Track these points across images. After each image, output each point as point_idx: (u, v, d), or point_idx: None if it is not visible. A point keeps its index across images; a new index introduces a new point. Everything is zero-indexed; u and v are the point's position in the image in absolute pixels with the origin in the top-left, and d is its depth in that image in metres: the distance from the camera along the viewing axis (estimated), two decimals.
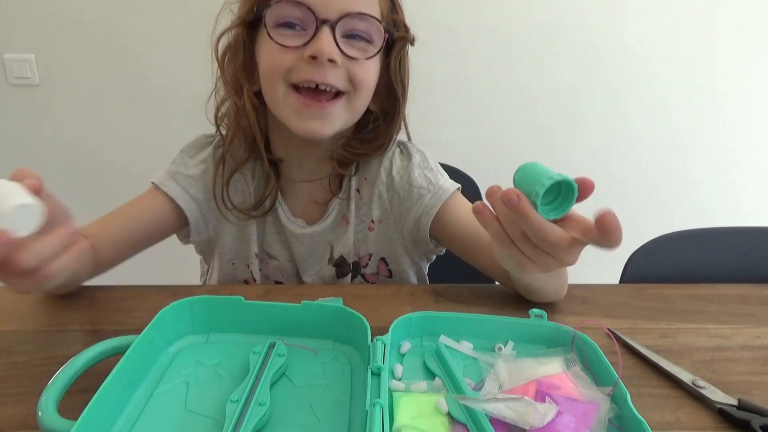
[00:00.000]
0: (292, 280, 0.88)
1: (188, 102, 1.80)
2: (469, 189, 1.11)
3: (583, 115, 1.94)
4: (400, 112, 0.79)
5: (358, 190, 0.84)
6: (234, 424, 0.46)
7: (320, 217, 0.85)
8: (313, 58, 0.67)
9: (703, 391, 0.57)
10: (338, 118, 0.72)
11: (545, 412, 0.49)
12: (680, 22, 1.84)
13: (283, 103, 0.71)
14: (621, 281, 0.96)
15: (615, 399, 0.52)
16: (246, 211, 0.80)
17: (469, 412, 0.49)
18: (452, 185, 0.82)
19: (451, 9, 1.72)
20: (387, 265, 0.88)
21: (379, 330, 0.58)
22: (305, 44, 0.67)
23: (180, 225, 0.82)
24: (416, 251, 0.88)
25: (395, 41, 0.75)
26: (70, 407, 0.45)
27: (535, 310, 0.66)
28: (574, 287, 0.79)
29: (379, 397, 0.48)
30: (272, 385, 0.53)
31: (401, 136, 0.85)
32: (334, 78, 0.69)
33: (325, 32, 0.66)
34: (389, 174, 0.84)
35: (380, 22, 0.71)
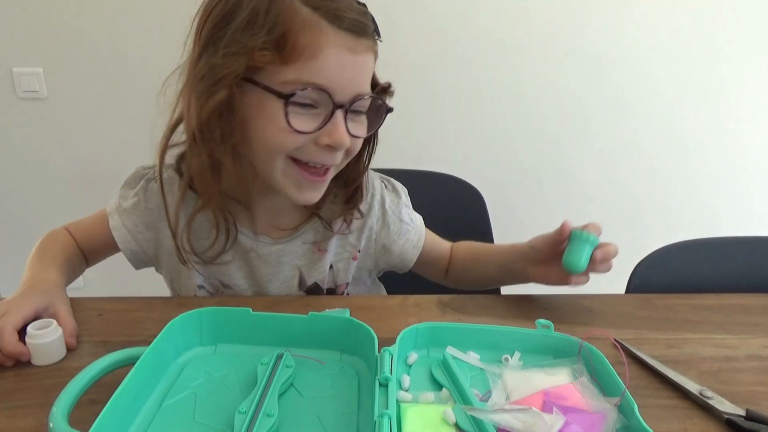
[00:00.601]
0: None
1: None
2: (474, 199, 1.11)
3: (588, 124, 1.94)
4: (370, 153, 0.79)
5: (344, 221, 0.82)
6: None
7: (285, 236, 0.81)
8: (329, 146, 0.66)
9: (710, 402, 0.57)
10: (329, 178, 0.73)
11: (553, 423, 0.49)
12: (686, 28, 1.84)
13: (281, 174, 0.69)
14: (627, 291, 0.96)
15: (622, 410, 0.52)
16: (204, 256, 0.77)
17: (477, 423, 0.50)
18: (421, 222, 0.90)
19: (453, 18, 1.73)
20: (346, 288, 0.88)
21: (386, 341, 0.58)
22: (319, 129, 0.65)
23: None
24: (373, 275, 0.93)
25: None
26: (80, 419, 0.46)
27: (542, 321, 0.66)
28: (580, 297, 0.79)
29: (387, 408, 0.48)
30: (280, 396, 0.54)
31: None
32: (339, 157, 0.70)
33: (340, 117, 0.65)
34: (382, 207, 0.85)
35: (378, 98, 0.70)
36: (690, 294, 0.83)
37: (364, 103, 0.68)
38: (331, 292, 0.86)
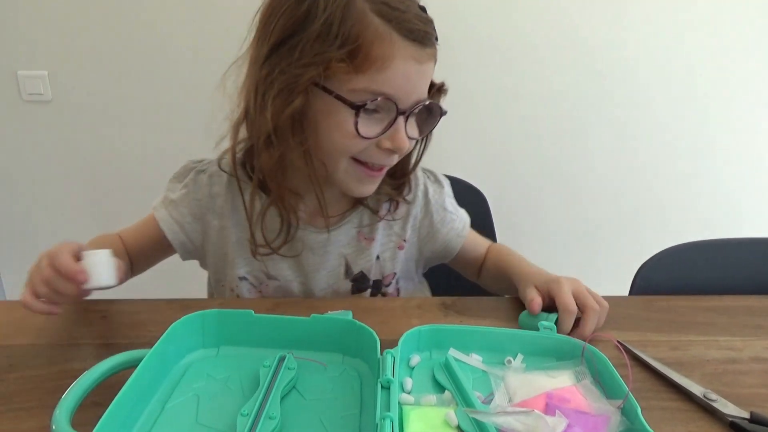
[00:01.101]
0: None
1: (199, 117, 1.83)
2: (478, 201, 1.11)
3: (590, 125, 1.94)
4: (420, 155, 0.82)
5: (389, 210, 0.85)
6: None
7: (331, 224, 0.83)
8: (391, 150, 0.69)
9: (714, 404, 0.57)
10: (384, 173, 0.76)
11: (555, 425, 0.49)
12: (688, 33, 1.84)
13: (344, 172, 0.73)
14: (630, 293, 0.95)
15: (625, 412, 0.52)
16: (272, 246, 0.79)
17: (479, 425, 0.49)
18: (465, 213, 0.92)
19: (454, 20, 1.73)
20: (397, 283, 0.89)
21: (388, 343, 0.58)
22: (382, 134, 0.68)
23: (170, 244, 0.85)
24: (422, 267, 0.94)
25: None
26: (83, 421, 0.46)
27: (545, 323, 0.66)
28: None
29: (389, 411, 0.48)
30: (282, 398, 0.54)
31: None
32: (397, 158, 0.73)
33: (401, 123, 0.68)
34: (425, 196, 0.87)
35: (435, 103, 0.72)
36: (693, 296, 0.82)
37: (421, 107, 0.70)
38: (378, 283, 0.87)
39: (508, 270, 0.85)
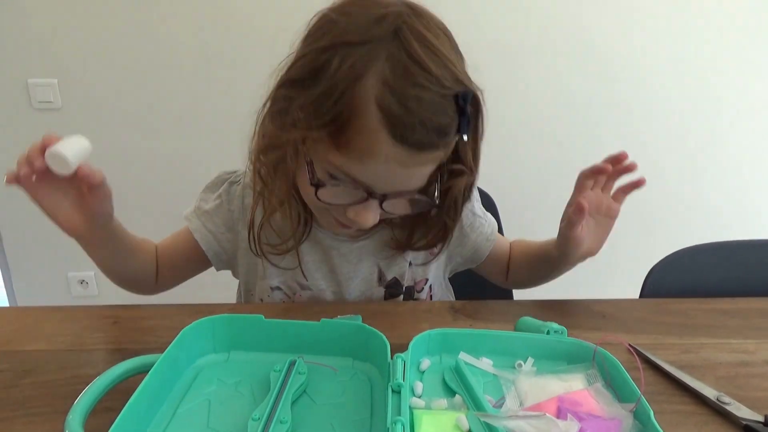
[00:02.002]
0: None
1: (207, 125, 1.84)
2: (485, 204, 1.11)
3: (598, 128, 1.93)
4: (449, 230, 0.78)
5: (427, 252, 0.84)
6: None
7: (364, 233, 0.82)
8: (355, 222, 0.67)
9: (728, 408, 0.56)
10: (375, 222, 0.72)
11: (567, 429, 0.48)
12: (696, 34, 1.84)
13: (320, 215, 0.73)
14: (641, 296, 0.95)
15: (638, 416, 0.51)
16: (281, 248, 0.79)
17: (490, 429, 0.49)
18: (492, 218, 0.91)
19: (459, 22, 1.74)
20: (431, 289, 0.89)
21: (398, 347, 0.58)
22: (350, 205, 0.65)
23: (204, 255, 0.85)
24: (449, 273, 0.93)
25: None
26: (96, 426, 0.46)
27: (554, 326, 0.65)
28: (593, 303, 0.79)
29: (399, 415, 0.48)
30: (293, 403, 0.54)
31: None
32: (371, 225, 0.68)
33: (373, 205, 0.64)
34: None
35: (427, 195, 0.67)
36: (705, 298, 0.82)
37: (407, 194, 0.66)
38: (410, 289, 0.87)
39: (537, 247, 0.84)
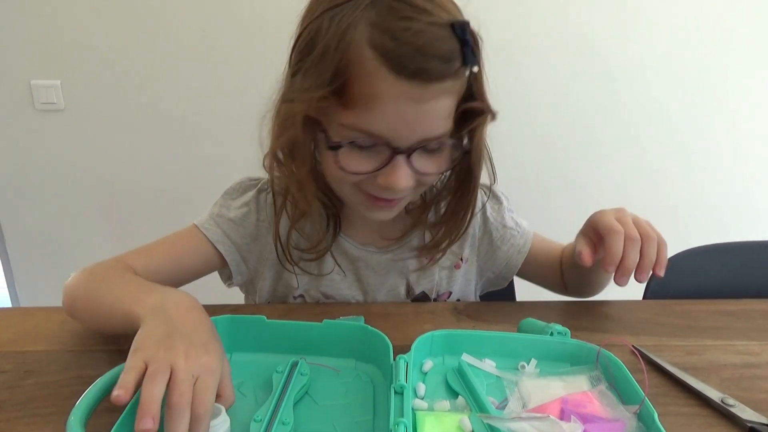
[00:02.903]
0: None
1: (210, 127, 1.84)
2: None
3: (599, 131, 1.93)
4: (475, 187, 0.74)
5: (446, 247, 0.81)
6: None
7: (392, 243, 0.81)
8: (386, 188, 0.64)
9: (732, 410, 0.56)
10: (404, 203, 0.71)
11: (571, 431, 0.48)
12: (696, 36, 1.83)
13: (350, 198, 0.70)
14: (644, 297, 0.94)
15: (642, 418, 0.51)
16: (307, 255, 0.78)
17: (494, 431, 0.49)
18: (529, 226, 0.88)
19: None
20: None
21: (400, 348, 0.58)
22: (378, 170, 0.62)
23: (219, 266, 0.82)
24: (481, 286, 0.90)
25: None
26: (97, 427, 0.46)
27: (558, 327, 0.65)
28: (597, 304, 0.78)
29: (402, 416, 0.48)
30: (295, 404, 0.54)
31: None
32: (404, 194, 0.66)
33: (400, 162, 0.61)
34: (483, 214, 0.84)
35: (455, 138, 0.65)
36: (709, 300, 0.81)
37: (433, 144, 0.63)
38: (434, 302, 0.85)
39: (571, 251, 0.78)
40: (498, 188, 0.85)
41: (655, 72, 1.86)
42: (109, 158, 1.88)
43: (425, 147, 0.62)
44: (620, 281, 0.63)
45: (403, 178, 0.62)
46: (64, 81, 1.78)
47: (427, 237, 0.81)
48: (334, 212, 0.77)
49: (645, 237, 0.64)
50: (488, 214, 0.84)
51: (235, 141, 1.81)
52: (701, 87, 1.90)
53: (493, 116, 0.66)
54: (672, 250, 0.96)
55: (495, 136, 0.76)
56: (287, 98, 0.64)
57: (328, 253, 0.79)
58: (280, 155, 0.69)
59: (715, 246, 0.97)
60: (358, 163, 0.62)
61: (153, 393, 0.44)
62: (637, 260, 0.63)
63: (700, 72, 1.88)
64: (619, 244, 0.63)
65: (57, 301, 0.72)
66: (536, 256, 0.86)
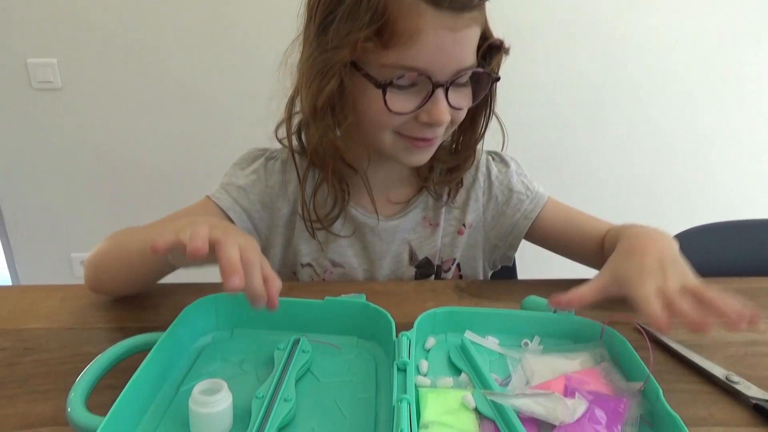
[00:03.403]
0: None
1: (208, 102, 1.82)
2: None
3: (604, 110, 1.91)
4: (487, 118, 0.77)
5: (449, 192, 0.83)
6: (260, 420, 0.46)
7: (397, 211, 0.83)
8: (429, 123, 0.67)
9: (737, 387, 0.55)
10: (438, 143, 0.73)
11: (575, 407, 0.48)
12: (701, 12, 1.81)
13: (390, 146, 0.71)
14: None
15: (646, 395, 0.51)
16: (323, 222, 0.79)
17: (497, 407, 0.49)
18: (545, 192, 0.85)
19: None
20: (459, 269, 0.87)
21: (403, 326, 0.57)
22: (419, 107, 0.65)
23: None
24: (491, 257, 0.89)
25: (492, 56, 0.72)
26: (98, 403, 0.46)
27: None
28: None
29: (405, 393, 0.47)
30: (297, 381, 0.53)
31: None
32: (441, 129, 0.69)
33: (440, 96, 0.65)
34: (487, 179, 0.84)
35: (485, 70, 0.68)
36: (714, 278, 0.80)
37: (465, 77, 0.67)
38: (438, 268, 0.86)
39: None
40: (506, 153, 0.86)
41: (663, 47, 1.85)
42: (107, 137, 1.86)
43: (457, 81, 0.65)
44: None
45: (444, 111, 0.65)
46: (60, 59, 1.76)
47: (431, 203, 0.83)
48: (344, 182, 0.78)
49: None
50: (493, 177, 0.84)
51: (235, 118, 1.80)
52: (710, 62, 1.88)
53: (507, 51, 0.71)
54: (678, 228, 0.96)
55: (501, 109, 0.75)
56: (324, 49, 0.64)
57: (338, 221, 0.80)
58: (310, 118, 0.69)
59: (721, 224, 0.96)
60: (401, 103, 0.65)
61: (232, 256, 0.48)
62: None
63: (708, 47, 1.86)
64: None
65: (56, 279, 0.71)
66: (551, 223, 0.83)
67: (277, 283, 0.51)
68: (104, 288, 0.71)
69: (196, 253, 0.47)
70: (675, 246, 0.64)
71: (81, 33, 1.73)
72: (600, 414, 0.48)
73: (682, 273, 0.59)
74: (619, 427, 0.48)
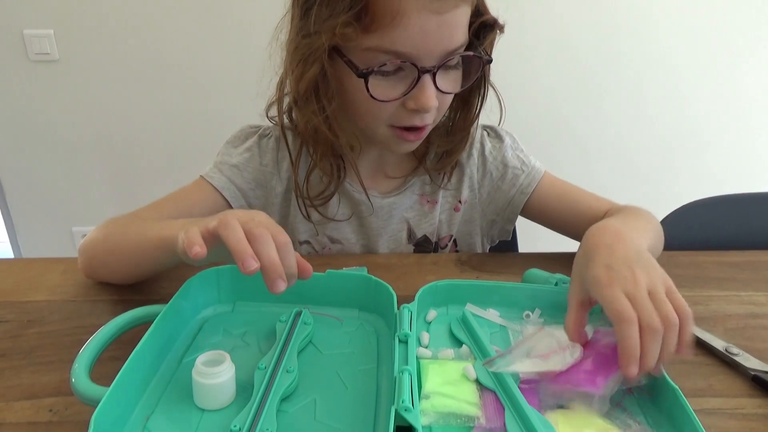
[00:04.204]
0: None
1: (206, 75, 1.80)
2: None
3: (600, 81, 1.90)
4: (482, 99, 0.74)
5: (444, 174, 0.82)
6: (263, 391, 0.46)
7: (394, 188, 0.82)
8: (416, 110, 0.64)
9: (736, 358, 0.56)
10: (428, 131, 0.71)
11: (572, 351, 0.49)
12: None
13: (381, 136, 0.70)
14: None
15: None
16: (315, 202, 0.78)
17: (498, 378, 0.49)
18: (542, 166, 0.83)
19: None
20: (456, 246, 0.87)
21: (404, 299, 0.57)
22: (405, 94, 0.63)
23: None
24: (489, 233, 0.88)
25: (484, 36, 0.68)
26: (101, 375, 0.46)
27: (563, 277, 0.64)
28: None
29: (406, 364, 0.48)
30: (299, 353, 0.54)
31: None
32: (430, 117, 0.67)
33: (427, 81, 0.62)
34: (481, 154, 0.83)
35: (475, 53, 0.65)
36: (715, 251, 0.81)
37: (454, 60, 0.64)
38: (435, 245, 0.85)
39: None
40: (501, 128, 0.84)
41: (659, 22, 1.82)
42: (105, 109, 1.85)
43: (446, 64, 0.63)
44: (630, 373, 0.45)
45: (431, 97, 0.63)
46: (57, 30, 1.73)
47: (427, 181, 0.82)
48: (338, 159, 0.77)
49: (667, 324, 0.46)
50: (487, 153, 0.82)
51: (234, 90, 1.78)
52: (706, 36, 1.86)
53: (501, 29, 0.67)
54: (678, 203, 0.95)
55: (496, 83, 0.74)
56: (306, 33, 0.62)
57: (333, 198, 0.79)
58: (302, 96, 0.67)
59: (721, 197, 0.95)
60: (386, 91, 0.63)
61: (238, 237, 0.46)
62: (658, 354, 0.46)
63: (704, 21, 1.83)
64: (633, 337, 0.45)
65: (57, 252, 0.72)
66: (548, 199, 0.81)
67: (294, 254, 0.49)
68: (98, 276, 0.69)
69: (198, 257, 0.46)
70: (644, 239, 0.61)
71: (77, 3, 1.70)
72: (589, 363, 0.49)
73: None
74: (607, 379, 0.48)
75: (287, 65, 0.68)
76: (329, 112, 0.67)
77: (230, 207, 0.78)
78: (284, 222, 0.83)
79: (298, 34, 0.64)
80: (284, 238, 0.49)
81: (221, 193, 0.77)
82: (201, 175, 0.79)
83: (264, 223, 0.49)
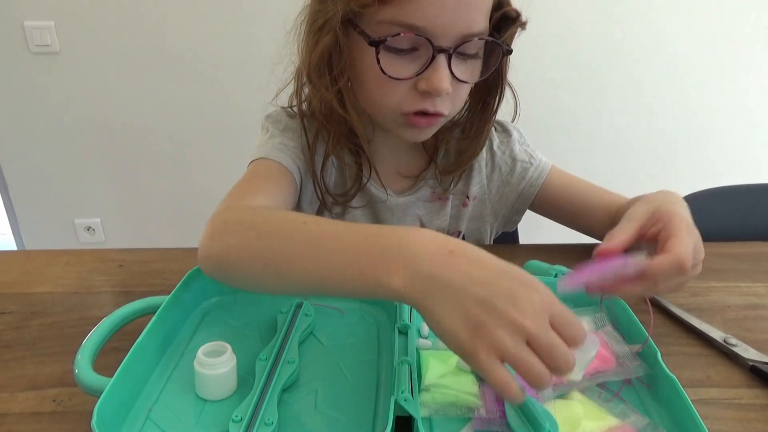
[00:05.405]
0: None
1: (207, 67, 1.80)
2: None
3: (603, 73, 1.89)
4: (497, 103, 0.73)
5: (454, 179, 0.81)
6: (264, 381, 0.47)
7: (408, 187, 0.82)
8: (428, 92, 0.62)
9: (734, 349, 0.56)
10: (441, 122, 0.69)
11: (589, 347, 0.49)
12: None
13: (391, 122, 0.68)
14: None
15: (645, 357, 0.51)
16: (339, 198, 0.77)
17: None
18: (548, 161, 0.83)
19: None
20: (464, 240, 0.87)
21: None
22: (418, 74, 0.61)
23: None
24: (497, 227, 0.88)
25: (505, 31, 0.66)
26: (104, 365, 0.46)
27: (562, 269, 0.65)
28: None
29: (406, 356, 0.48)
30: (300, 344, 0.54)
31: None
32: (442, 105, 0.65)
33: (442, 62, 0.60)
34: (489, 149, 0.82)
35: (494, 39, 0.63)
36: (715, 242, 0.81)
37: (473, 47, 0.62)
38: None
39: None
40: (508, 122, 0.84)
41: (663, 16, 1.81)
42: (107, 101, 1.85)
43: (463, 51, 0.61)
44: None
45: (444, 79, 0.60)
46: (58, 22, 1.73)
47: (438, 183, 0.81)
48: (359, 159, 0.76)
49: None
50: (495, 148, 0.82)
51: (236, 82, 1.77)
52: (709, 30, 1.85)
53: (523, 26, 0.66)
54: (680, 193, 0.95)
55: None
56: (322, 2, 0.62)
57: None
58: (308, 77, 0.66)
59: (721, 189, 0.95)
60: (399, 69, 0.61)
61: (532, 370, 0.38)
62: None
63: (707, 15, 1.82)
64: (678, 283, 0.52)
65: (60, 244, 0.72)
66: (556, 191, 0.82)
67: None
68: (231, 284, 0.54)
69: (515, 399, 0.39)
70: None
71: None
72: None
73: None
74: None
75: (303, 37, 0.67)
76: (342, 86, 0.65)
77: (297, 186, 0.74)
78: (298, 207, 0.81)
79: (313, 7, 0.64)
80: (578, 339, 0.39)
81: (291, 172, 0.73)
82: (264, 158, 0.72)
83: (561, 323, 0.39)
